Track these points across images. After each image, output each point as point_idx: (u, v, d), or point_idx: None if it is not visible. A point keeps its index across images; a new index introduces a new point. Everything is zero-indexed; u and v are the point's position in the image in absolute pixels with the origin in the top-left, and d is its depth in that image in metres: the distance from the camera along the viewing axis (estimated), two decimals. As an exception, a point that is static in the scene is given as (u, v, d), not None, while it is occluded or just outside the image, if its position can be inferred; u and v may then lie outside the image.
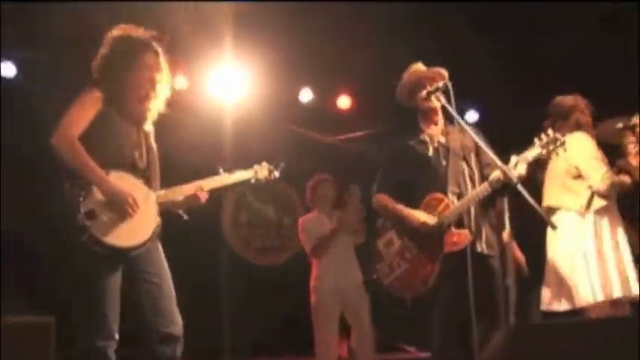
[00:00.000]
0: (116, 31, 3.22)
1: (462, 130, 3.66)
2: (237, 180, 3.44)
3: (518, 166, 3.41)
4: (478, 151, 3.69)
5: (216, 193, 3.41)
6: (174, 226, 3.24)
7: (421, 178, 3.69)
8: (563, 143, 3.41)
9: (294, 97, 6.38)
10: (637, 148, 4.54)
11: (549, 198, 4.23)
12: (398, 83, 3.85)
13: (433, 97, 3.63)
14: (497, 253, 3.73)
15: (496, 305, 3.60)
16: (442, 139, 3.76)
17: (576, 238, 4.06)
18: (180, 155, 5.65)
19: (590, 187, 4.08)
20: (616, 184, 4.07)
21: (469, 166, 3.69)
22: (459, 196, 3.61)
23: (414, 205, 3.68)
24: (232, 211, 6.82)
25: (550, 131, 3.45)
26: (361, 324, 5.04)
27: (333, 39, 5.62)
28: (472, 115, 6.76)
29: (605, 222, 4.06)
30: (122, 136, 3.13)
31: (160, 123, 5.68)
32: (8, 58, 5.61)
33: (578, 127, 4.20)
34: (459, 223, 3.59)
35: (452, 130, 3.76)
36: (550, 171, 4.26)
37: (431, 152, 3.73)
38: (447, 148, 3.73)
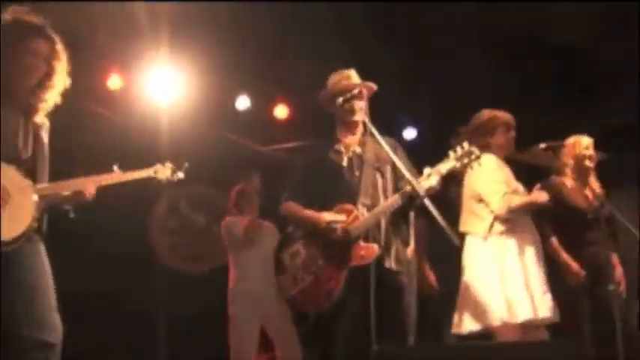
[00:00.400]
0: (5, 15, 2.97)
1: (380, 141, 3.59)
2: (131, 178, 3.25)
3: (429, 178, 3.37)
4: (395, 163, 3.61)
5: (112, 191, 3.21)
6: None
7: (333, 188, 3.61)
8: (478, 157, 3.40)
9: (231, 104, 6.27)
10: (570, 170, 4.58)
11: (460, 223, 4.19)
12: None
13: (352, 107, 3.62)
14: (407, 271, 3.66)
15: (403, 324, 3.55)
16: (358, 150, 3.69)
17: (480, 263, 4.02)
18: (109, 155, 5.54)
19: (491, 211, 4.04)
20: (517, 207, 4.01)
21: (383, 177, 3.63)
22: (370, 208, 3.51)
23: (326, 216, 3.59)
24: (161, 217, 6.65)
25: (465, 144, 3.42)
26: (285, 341, 4.97)
27: (274, 47, 5.61)
28: (410, 132, 6.80)
29: (511, 244, 4.00)
30: (4, 124, 2.87)
31: (92, 121, 5.75)
32: None
33: (487, 147, 4.12)
34: (369, 237, 3.49)
35: (370, 140, 3.69)
36: (463, 194, 4.23)
37: (345, 162, 3.65)
38: (361, 159, 3.65)
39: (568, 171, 4.59)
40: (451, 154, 3.41)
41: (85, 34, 5.36)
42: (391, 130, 6.23)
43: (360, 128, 3.75)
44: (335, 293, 3.43)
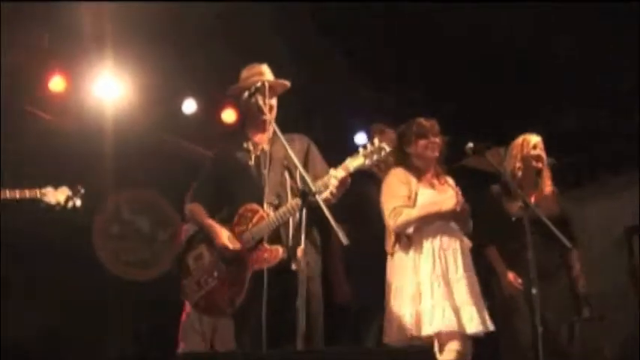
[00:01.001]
0: None
1: (291, 140, 3.50)
2: (13, 197, 3.27)
3: (328, 178, 3.25)
4: (307, 162, 3.52)
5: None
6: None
7: (240, 187, 3.50)
8: (387, 154, 3.26)
9: (177, 107, 6.16)
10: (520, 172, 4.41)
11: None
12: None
13: (257, 104, 3.46)
14: (319, 275, 3.52)
15: (311, 330, 3.33)
16: (267, 148, 3.57)
17: (389, 279, 3.91)
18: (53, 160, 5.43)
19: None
20: (405, 222, 3.83)
21: (292, 177, 3.50)
22: (277, 208, 3.39)
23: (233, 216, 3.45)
24: (104, 222, 6.48)
25: (376, 140, 3.26)
26: None
27: (223, 50, 5.55)
28: (361, 137, 6.64)
29: (407, 260, 3.84)
30: None
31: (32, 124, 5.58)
32: None
33: (408, 158, 4.01)
34: (276, 239, 3.35)
35: (280, 138, 3.55)
36: None
37: (252, 161, 3.54)
38: (270, 157, 3.53)
39: (517, 174, 4.42)
40: (361, 150, 3.26)
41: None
42: (342, 135, 6.43)
43: (271, 126, 3.61)
44: (237, 299, 3.29)
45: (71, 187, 3.43)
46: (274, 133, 3.57)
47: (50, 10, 5.17)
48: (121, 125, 5.82)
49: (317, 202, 3.06)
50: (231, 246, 3.37)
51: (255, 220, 3.38)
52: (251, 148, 3.59)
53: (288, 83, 3.67)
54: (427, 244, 3.84)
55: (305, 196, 3.07)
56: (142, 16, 5.08)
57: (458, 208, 3.83)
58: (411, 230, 3.84)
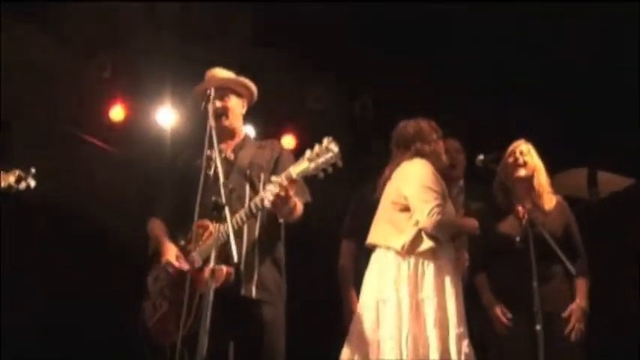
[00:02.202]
0: None
1: (262, 146, 3.22)
2: None
3: (267, 191, 2.86)
4: (275, 171, 3.12)
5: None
6: None
7: (195, 200, 3.06)
8: (336, 155, 2.73)
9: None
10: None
11: (372, 234, 3.44)
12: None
13: (206, 110, 3.12)
14: (281, 301, 3.13)
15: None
16: (231, 156, 3.26)
17: (391, 284, 3.24)
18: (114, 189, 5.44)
19: (416, 222, 3.29)
20: (448, 225, 3.29)
21: (253, 187, 3.16)
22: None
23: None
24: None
25: (325, 140, 2.78)
26: None
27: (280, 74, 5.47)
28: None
29: (430, 269, 3.24)
30: None
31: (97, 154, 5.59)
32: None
33: (420, 156, 3.48)
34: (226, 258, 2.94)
35: (250, 145, 3.28)
36: (381, 202, 3.51)
37: (212, 170, 3.17)
38: (232, 166, 3.22)
39: (513, 188, 3.80)
40: (306, 153, 2.81)
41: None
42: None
43: (240, 132, 3.36)
44: (186, 324, 2.90)
45: (22, 169, 3.31)
46: (244, 138, 3.33)
47: (110, 39, 5.23)
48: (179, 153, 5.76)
49: (238, 216, 2.83)
50: (176, 264, 3.06)
51: (205, 236, 3.05)
52: (213, 156, 3.17)
53: (236, 78, 3.36)
54: (450, 259, 3.33)
55: (218, 208, 2.68)
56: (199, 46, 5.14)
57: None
58: (444, 236, 3.30)
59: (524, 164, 3.78)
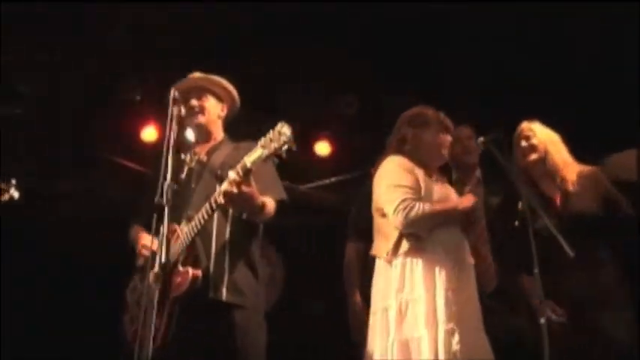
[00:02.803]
0: None
1: (240, 147, 3.06)
2: None
3: (226, 183, 2.73)
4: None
5: None
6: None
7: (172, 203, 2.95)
8: (289, 139, 2.62)
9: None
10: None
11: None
12: None
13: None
14: (253, 306, 2.94)
15: None
16: (204, 158, 3.14)
17: (380, 292, 3.05)
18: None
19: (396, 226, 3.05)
20: (420, 217, 2.98)
21: None
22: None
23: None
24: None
25: (278, 125, 2.65)
26: None
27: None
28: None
29: (419, 266, 2.98)
30: None
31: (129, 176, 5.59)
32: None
33: (401, 147, 3.23)
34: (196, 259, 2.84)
35: (226, 147, 3.15)
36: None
37: (184, 173, 3.11)
38: (204, 168, 3.10)
39: (531, 173, 3.48)
40: (261, 140, 2.68)
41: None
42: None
43: (217, 135, 3.24)
44: (158, 335, 2.76)
45: (2, 180, 3.28)
46: (222, 141, 3.22)
47: (143, 61, 5.22)
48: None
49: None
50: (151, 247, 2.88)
51: (174, 240, 2.90)
52: (188, 159, 3.16)
53: (212, 77, 3.24)
54: (443, 251, 3.02)
55: (158, 210, 2.59)
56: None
57: (478, 212, 3.15)
58: (422, 230, 3.04)
59: (533, 148, 3.43)
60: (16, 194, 3.24)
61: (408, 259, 3.00)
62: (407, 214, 2.98)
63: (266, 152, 2.63)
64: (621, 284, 3.19)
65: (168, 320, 2.80)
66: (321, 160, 6.01)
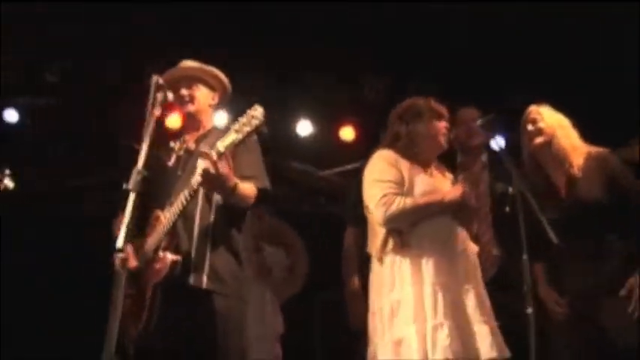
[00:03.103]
0: None
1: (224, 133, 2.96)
2: None
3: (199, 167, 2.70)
4: (235, 157, 2.89)
5: None
6: None
7: (156, 193, 3.01)
8: (261, 122, 2.63)
9: (291, 130, 6.00)
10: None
11: None
12: None
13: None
14: (233, 291, 2.90)
15: (212, 354, 2.79)
16: (192, 146, 3.12)
17: (375, 292, 3.01)
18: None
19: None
20: (399, 213, 2.92)
21: None
22: None
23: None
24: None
25: (252, 109, 2.66)
26: None
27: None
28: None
29: (406, 263, 2.92)
30: None
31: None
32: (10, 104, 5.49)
33: (394, 142, 3.16)
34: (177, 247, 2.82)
35: (215, 134, 3.07)
36: None
37: (172, 162, 3.10)
38: (190, 156, 3.07)
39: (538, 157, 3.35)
40: (234, 124, 2.68)
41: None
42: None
43: (207, 123, 3.20)
44: (140, 322, 2.79)
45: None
46: (211, 130, 3.17)
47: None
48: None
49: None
50: (127, 251, 2.85)
51: (157, 227, 2.91)
52: (176, 147, 3.15)
53: (203, 67, 3.19)
54: (428, 244, 2.95)
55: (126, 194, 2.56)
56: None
57: (468, 201, 3.03)
58: (404, 225, 2.99)
59: (540, 131, 3.28)
60: (10, 184, 3.24)
61: (397, 258, 2.96)
62: (386, 210, 2.94)
63: (239, 136, 2.64)
64: (628, 274, 3.06)
65: (151, 306, 2.80)
66: (346, 146, 5.95)
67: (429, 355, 2.73)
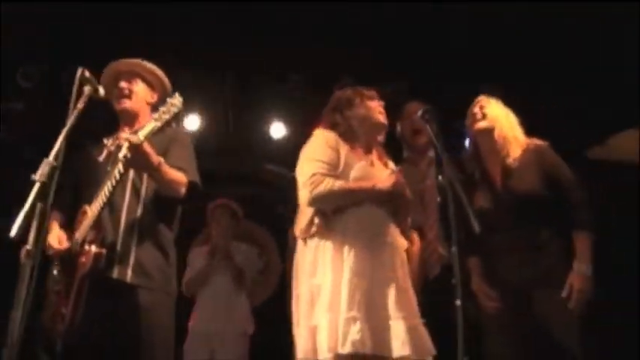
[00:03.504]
0: None
1: (163, 130, 2.87)
2: None
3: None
4: (165, 154, 2.93)
5: None
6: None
7: (86, 189, 2.96)
8: (179, 109, 2.68)
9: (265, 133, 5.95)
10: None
11: None
12: None
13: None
14: (160, 285, 2.85)
15: (136, 349, 2.73)
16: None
17: (297, 274, 2.93)
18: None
19: None
20: (326, 194, 2.82)
21: (139, 174, 2.97)
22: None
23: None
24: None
25: (173, 96, 2.72)
26: None
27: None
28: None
29: (328, 247, 2.82)
30: None
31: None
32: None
33: (335, 128, 3.07)
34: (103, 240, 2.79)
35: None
36: None
37: (102, 157, 3.04)
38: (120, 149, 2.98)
39: (480, 145, 3.30)
40: (155, 114, 2.72)
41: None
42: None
43: (143, 120, 3.11)
44: (67, 317, 2.75)
45: None
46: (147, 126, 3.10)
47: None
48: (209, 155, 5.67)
49: None
50: (56, 246, 2.87)
51: (84, 221, 2.87)
52: (108, 143, 3.09)
53: (142, 63, 3.16)
54: (353, 232, 2.84)
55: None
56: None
57: (400, 192, 2.93)
58: (330, 207, 2.88)
59: (484, 116, 3.22)
60: None
61: (321, 242, 2.85)
62: (313, 189, 2.84)
63: (158, 124, 2.67)
64: (563, 264, 2.99)
65: (76, 301, 2.76)
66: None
67: (339, 348, 2.62)
